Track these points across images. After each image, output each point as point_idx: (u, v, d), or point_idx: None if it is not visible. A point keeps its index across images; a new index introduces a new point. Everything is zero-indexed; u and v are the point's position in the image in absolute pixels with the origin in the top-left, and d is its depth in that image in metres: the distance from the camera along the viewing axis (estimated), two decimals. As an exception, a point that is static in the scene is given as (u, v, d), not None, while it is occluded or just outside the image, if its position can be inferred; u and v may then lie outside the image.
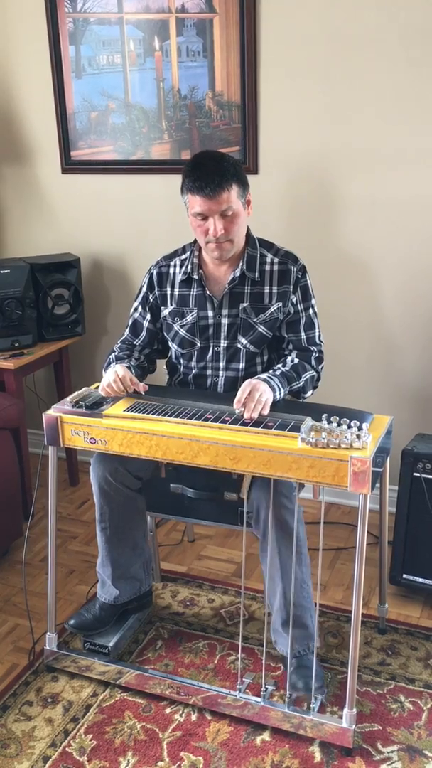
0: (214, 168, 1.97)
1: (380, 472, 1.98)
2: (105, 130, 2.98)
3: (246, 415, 1.88)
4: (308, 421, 1.82)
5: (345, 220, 2.71)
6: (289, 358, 2.14)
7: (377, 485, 1.99)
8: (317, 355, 2.17)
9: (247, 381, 1.95)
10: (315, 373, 2.16)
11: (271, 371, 2.06)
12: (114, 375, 2.03)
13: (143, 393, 2.03)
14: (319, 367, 2.18)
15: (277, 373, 2.04)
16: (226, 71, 2.70)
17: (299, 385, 2.09)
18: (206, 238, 2.04)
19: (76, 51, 2.92)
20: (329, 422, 1.79)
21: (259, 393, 1.91)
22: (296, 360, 2.13)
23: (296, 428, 1.82)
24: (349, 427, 1.77)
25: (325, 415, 1.82)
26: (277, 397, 1.97)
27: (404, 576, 2.42)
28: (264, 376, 2.00)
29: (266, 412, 1.90)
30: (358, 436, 1.74)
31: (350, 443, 1.74)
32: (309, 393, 2.15)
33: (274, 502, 1.93)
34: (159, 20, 2.75)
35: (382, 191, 2.62)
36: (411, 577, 2.41)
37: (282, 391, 2.00)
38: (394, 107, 2.52)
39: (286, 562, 1.99)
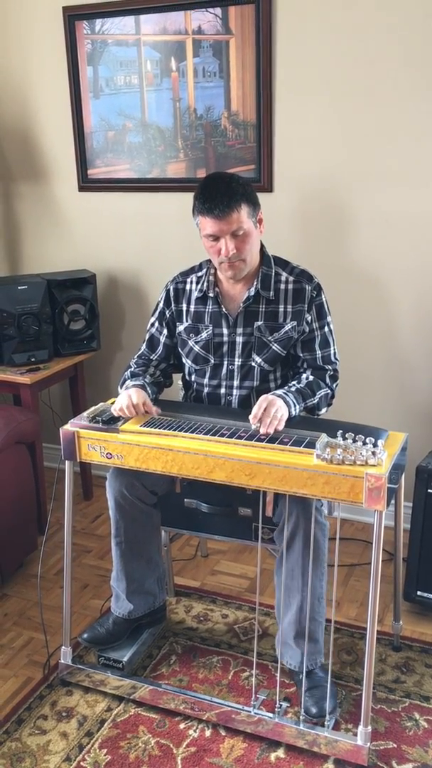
0: (224, 189, 2.00)
1: (395, 488, 1.99)
2: (122, 149, 3.02)
3: (262, 430, 1.90)
4: (323, 438, 1.83)
5: (359, 237, 2.74)
6: (304, 375, 2.15)
7: (392, 502, 2.00)
8: (332, 373, 2.18)
9: (263, 396, 1.97)
10: (329, 390, 2.17)
11: (286, 387, 2.07)
12: (128, 400, 2.04)
13: (156, 417, 2.05)
14: (334, 385, 2.19)
15: (293, 389, 2.06)
16: (242, 91, 2.74)
17: (314, 402, 2.10)
18: (219, 258, 2.07)
19: (93, 72, 2.98)
20: (344, 439, 1.80)
21: (275, 408, 1.93)
22: (311, 377, 2.14)
23: (311, 444, 1.83)
24: (364, 443, 1.78)
25: (340, 431, 1.83)
26: (292, 413, 1.99)
27: (418, 593, 2.41)
28: (279, 392, 2.02)
29: (281, 427, 1.92)
30: (373, 453, 1.75)
31: (365, 460, 1.75)
32: (323, 410, 2.17)
33: (309, 519, 1.94)
34: (176, 42, 2.79)
35: (395, 207, 2.64)
36: (425, 594, 2.40)
37: (297, 407, 2.02)
38: (407, 125, 2.55)
39: (309, 576, 2.00)
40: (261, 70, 2.67)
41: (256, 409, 1.93)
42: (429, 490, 2.33)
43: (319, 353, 2.17)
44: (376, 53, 2.53)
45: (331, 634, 2.09)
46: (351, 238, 2.75)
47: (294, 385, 2.10)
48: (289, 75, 2.67)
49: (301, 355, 2.17)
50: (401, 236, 2.67)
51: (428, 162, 2.56)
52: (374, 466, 1.75)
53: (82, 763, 1.93)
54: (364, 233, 2.72)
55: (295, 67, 2.65)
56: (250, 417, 1.93)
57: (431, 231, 2.62)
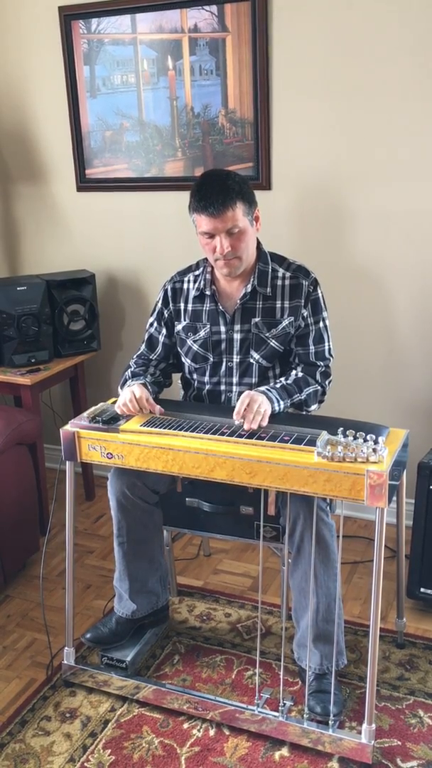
0: (219, 188, 1.99)
1: (397, 485, 1.98)
2: (119, 149, 3.02)
3: (245, 426, 1.90)
4: (324, 435, 1.83)
5: (358, 234, 2.73)
6: (294, 372, 2.15)
7: (394, 499, 1.99)
8: (323, 369, 2.17)
9: (246, 392, 1.97)
10: (320, 387, 2.15)
11: (272, 383, 2.08)
12: (130, 395, 2.05)
13: (158, 415, 2.05)
14: (325, 382, 2.18)
15: (277, 385, 2.06)
16: (239, 89, 2.73)
17: (300, 398, 2.09)
18: (214, 256, 2.06)
19: (90, 71, 2.97)
20: (345, 436, 1.80)
21: (257, 404, 1.93)
22: (300, 374, 2.14)
23: (312, 442, 1.83)
24: (365, 440, 1.78)
25: (341, 428, 1.82)
26: (276, 409, 1.99)
27: (421, 590, 2.40)
28: (263, 388, 2.03)
29: (264, 423, 1.92)
30: (374, 450, 1.75)
31: (366, 457, 1.75)
32: (313, 407, 2.15)
33: (315, 521, 1.93)
34: (172, 40, 2.79)
35: (394, 204, 2.64)
36: (428, 591, 2.40)
37: (281, 403, 2.02)
38: (405, 121, 2.54)
39: (322, 577, 2.00)
40: (258, 67, 2.66)
41: (239, 405, 1.93)
42: (431, 487, 2.32)
43: (312, 348, 2.16)
44: (374, 49, 2.52)
45: (334, 632, 2.08)
46: (349, 235, 2.74)
47: (280, 381, 2.10)
48: (287, 72, 2.66)
49: (294, 349, 2.17)
50: (400, 233, 2.66)
51: (426, 159, 2.55)
52: (375, 463, 1.74)
53: (86, 764, 1.93)
54: (362, 230, 2.72)
55: (292, 64, 2.64)
56: (234, 413, 1.93)
57: (430, 228, 2.61)
